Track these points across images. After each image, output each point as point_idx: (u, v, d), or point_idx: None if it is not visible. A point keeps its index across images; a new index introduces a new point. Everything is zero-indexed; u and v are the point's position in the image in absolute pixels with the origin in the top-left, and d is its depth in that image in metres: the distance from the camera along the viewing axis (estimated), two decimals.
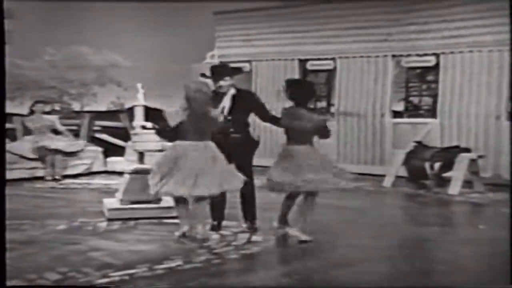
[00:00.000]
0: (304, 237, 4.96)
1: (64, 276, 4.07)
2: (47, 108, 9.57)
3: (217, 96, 5.16)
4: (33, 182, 8.54)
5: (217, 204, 5.25)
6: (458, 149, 7.95)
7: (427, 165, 7.90)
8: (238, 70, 5.51)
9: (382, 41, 9.57)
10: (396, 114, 9.75)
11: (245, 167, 5.10)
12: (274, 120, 5.27)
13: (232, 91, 5.26)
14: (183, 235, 5.09)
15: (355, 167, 7.98)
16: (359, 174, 9.36)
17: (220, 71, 5.26)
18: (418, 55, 9.38)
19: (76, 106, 11.33)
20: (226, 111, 5.19)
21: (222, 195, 5.11)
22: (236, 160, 5.10)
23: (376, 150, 9.65)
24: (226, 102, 5.22)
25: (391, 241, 5.26)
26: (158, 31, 10.42)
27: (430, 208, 7.07)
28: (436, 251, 4.99)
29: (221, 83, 5.19)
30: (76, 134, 10.66)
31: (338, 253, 4.81)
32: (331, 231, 5.50)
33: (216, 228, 5.31)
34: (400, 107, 9.85)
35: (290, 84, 5.11)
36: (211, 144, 4.93)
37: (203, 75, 5.32)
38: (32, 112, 9.19)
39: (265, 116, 5.34)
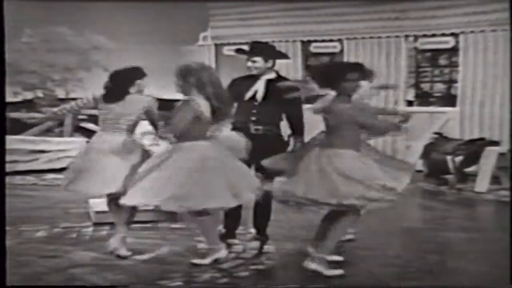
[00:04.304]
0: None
1: None
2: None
3: (251, 76, 4.47)
4: (13, 176, 7.73)
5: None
6: (484, 142, 7.41)
7: (449, 159, 7.29)
8: (276, 54, 4.59)
9: (393, 19, 8.79)
10: (408, 103, 9.10)
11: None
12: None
13: (268, 76, 4.46)
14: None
15: None
16: None
17: (254, 49, 4.50)
18: (434, 35, 8.66)
19: (60, 93, 10.60)
20: (259, 97, 4.41)
21: None
22: (257, 161, 4.27)
23: (387, 141, 8.96)
24: (260, 88, 4.44)
25: (426, 251, 4.56)
26: (145, 9, 9.68)
27: (459, 208, 6.45)
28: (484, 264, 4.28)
29: (249, 64, 4.45)
30: (60, 124, 9.98)
31: (365, 269, 4.10)
32: None
33: (228, 237, 4.57)
34: (410, 94, 9.22)
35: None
36: None
37: (239, 50, 4.57)
38: None
39: (295, 123, 4.47)
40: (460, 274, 4.03)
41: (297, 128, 4.46)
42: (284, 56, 4.76)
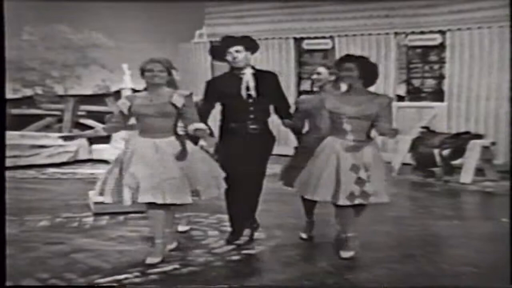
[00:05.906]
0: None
1: (44, 283, 3.70)
2: None
3: (233, 73, 4.34)
4: (14, 171, 7.93)
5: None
6: (469, 135, 7.60)
7: (436, 152, 7.49)
8: (250, 41, 4.32)
9: (383, 17, 9.00)
10: (399, 98, 9.25)
11: (258, 167, 4.41)
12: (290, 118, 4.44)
13: (250, 70, 4.34)
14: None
15: None
16: None
17: (227, 40, 4.32)
18: (422, 32, 8.84)
19: (59, 90, 10.74)
20: (253, 92, 4.31)
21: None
22: (248, 157, 4.33)
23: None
24: (250, 82, 4.31)
25: (408, 236, 4.82)
26: (142, 7, 9.81)
27: (444, 198, 6.65)
28: (464, 249, 4.51)
29: (235, 54, 4.24)
30: (60, 120, 10.16)
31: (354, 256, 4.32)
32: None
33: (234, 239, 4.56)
34: (401, 89, 9.37)
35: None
36: None
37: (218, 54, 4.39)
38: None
39: (285, 109, 4.48)
40: (443, 257, 4.26)
41: (287, 115, 4.46)
42: (254, 43, 4.41)
